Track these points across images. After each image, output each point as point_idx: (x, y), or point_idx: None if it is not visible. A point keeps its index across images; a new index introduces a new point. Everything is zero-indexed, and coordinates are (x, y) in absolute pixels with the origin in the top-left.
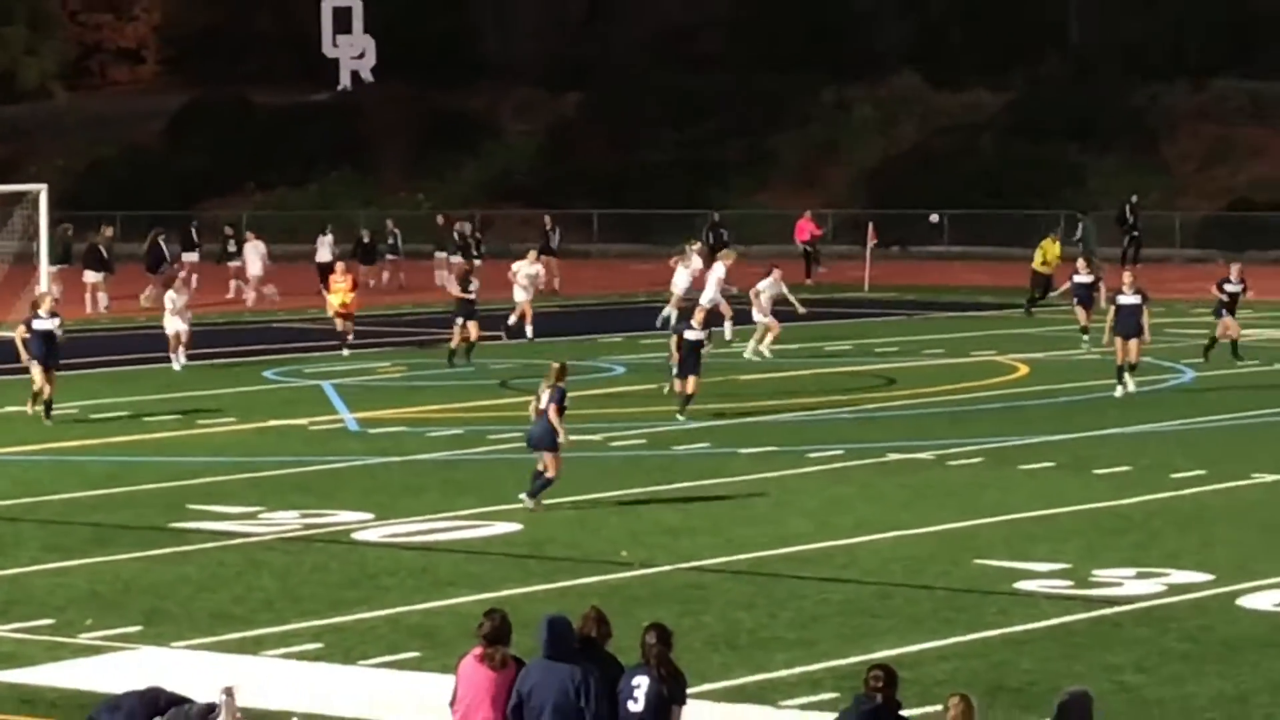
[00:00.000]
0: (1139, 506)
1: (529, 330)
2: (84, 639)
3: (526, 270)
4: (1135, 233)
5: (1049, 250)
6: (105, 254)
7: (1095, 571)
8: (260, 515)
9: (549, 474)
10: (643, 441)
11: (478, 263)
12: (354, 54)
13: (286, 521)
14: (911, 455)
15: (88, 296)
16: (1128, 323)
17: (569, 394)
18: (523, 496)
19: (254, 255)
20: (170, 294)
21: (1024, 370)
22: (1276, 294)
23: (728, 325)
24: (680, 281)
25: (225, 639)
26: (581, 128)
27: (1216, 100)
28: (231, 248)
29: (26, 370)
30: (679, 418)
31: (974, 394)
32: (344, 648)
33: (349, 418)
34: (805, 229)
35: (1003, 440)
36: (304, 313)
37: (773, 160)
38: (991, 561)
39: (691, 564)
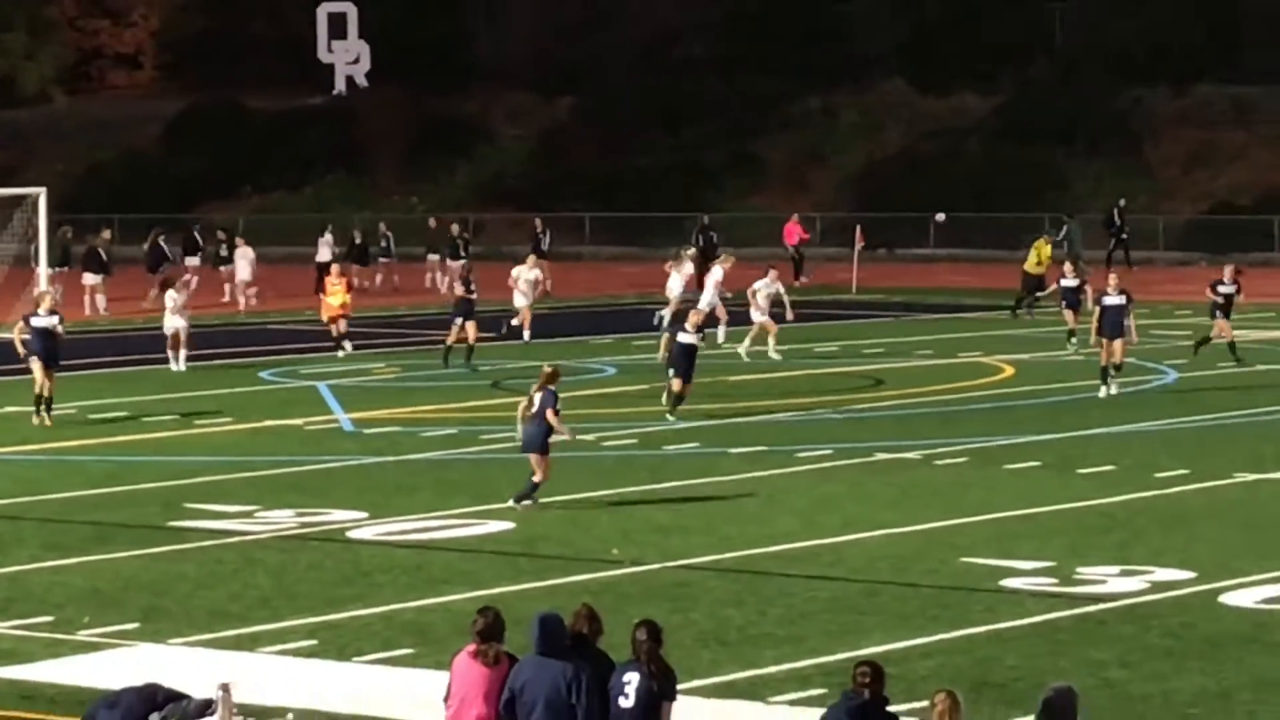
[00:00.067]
0: (1123, 505)
1: (526, 333)
2: (83, 636)
3: (526, 275)
4: (1124, 236)
5: (1042, 251)
6: (104, 256)
7: (1079, 569)
8: (256, 514)
9: (536, 477)
10: (634, 441)
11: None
12: (349, 59)
13: (282, 520)
14: (899, 455)
15: (86, 299)
16: (1113, 323)
17: (560, 395)
18: (511, 501)
19: (243, 261)
20: (170, 293)
21: (1010, 371)
22: (1258, 296)
23: (721, 329)
24: (674, 286)
25: (222, 636)
26: (573, 132)
27: (1199, 105)
28: (224, 252)
29: (27, 370)
30: (669, 418)
31: (960, 394)
32: (339, 644)
33: (344, 418)
34: (794, 232)
35: (989, 440)
36: (300, 315)
37: (762, 164)
38: (977, 559)
39: (681, 562)
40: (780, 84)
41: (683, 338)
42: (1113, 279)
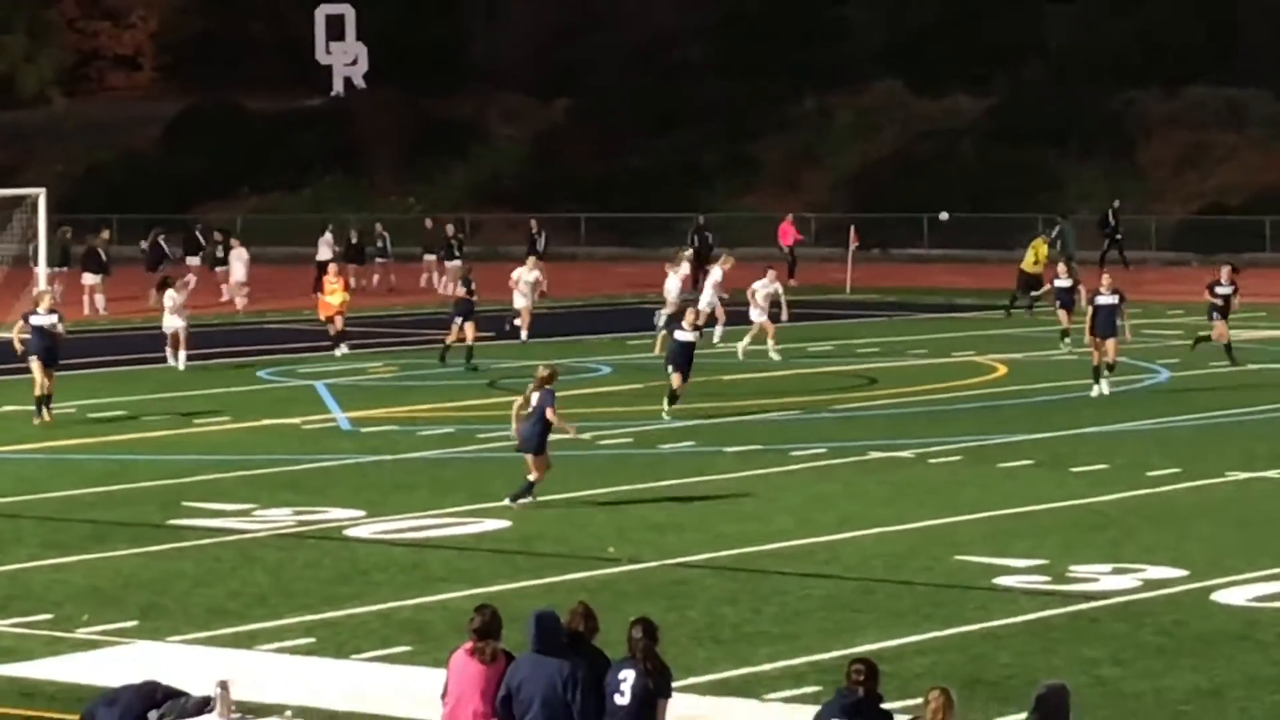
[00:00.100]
0: (1115, 504)
1: (524, 333)
2: (82, 634)
3: (527, 277)
4: (1118, 237)
5: (1039, 250)
6: (103, 257)
7: (1072, 567)
8: (254, 512)
9: (532, 476)
10: (629, 440)
11: (458, 263)
12: (347, 61)
13: (280, 518)
14: (893, 454)
15: (85, 298)
16: (1105, 323)
17: (556, 394)
18: (508, 500)
19: (237, 262)
20: (170, 293)
21: (1003, 370)
22: (1249, 296)
23: (718, 329)
24: (671, 286)
25: (220, 633)
26: (569, 133)
27: (1191, 107)
28: (219, 253)
29: (26, 370)
30: (664, 416)
31: (954, 394)
32: (336, 642)
33: (341, 417)
34: (788, 232)
35: (982, 439)
36: (298, 314)
37: (757, 165)
38: (971, 558)
39: (677, 560)
40: (775, 85)
41: (680, 335)
42: (1106, 279)
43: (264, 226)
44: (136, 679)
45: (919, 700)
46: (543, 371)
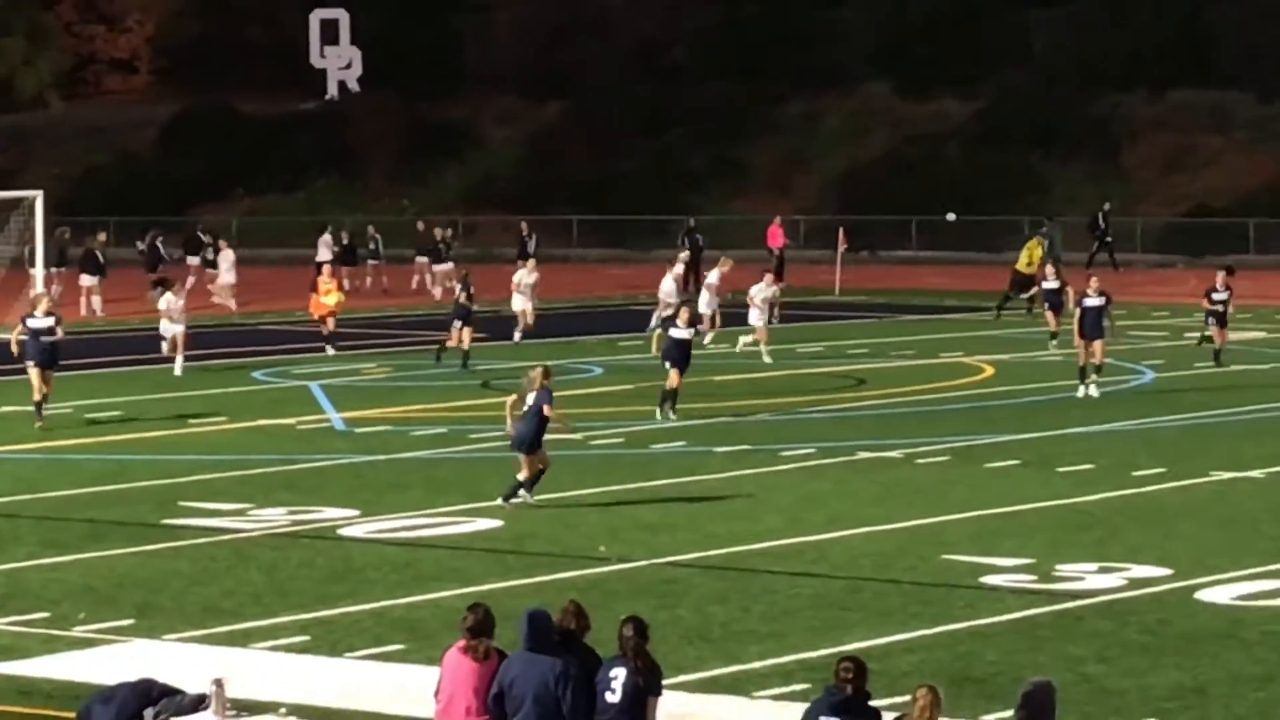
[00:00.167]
0: (1101, 503)
1: (517, 334)
2: (79, 632)
3: (527, 279)
4: (1108, 239)
5: (1033, 252)
6: (100, 258)
7: (1058, 566)
8: (249, 512)
9: (521, 475)
10: (621, 440)
11: (450, 266)
12: (341, 64)
13: (275, 518)
14: (881, 454)
15: (83, 299)
16: (1093, 325)
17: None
18: (524, 495)
19: (224, 263)
20: (169, 296)
21: (990, 371)
22: (1235, 298)
23: (710, 331)
24: (667, 287)
25: (215, 632)
26: (562, 136)
27: (1175, 110)
28: (210, 255)
29: (24, 371)
30: (663, 416)
31: (942, 394)
32: (330, 640)
33: (335, 417)
34: (777, 234)
35: (969, 439)
36: (292, 315)
37: (746, 168)
38: (958, 557)
39: (667, 559)
40: (765, 89)
41: (676, 333)
42: (1093, 281)
43: (259, 229)
44: (133, 677)
45: (907, 698)
46: (538, 370)
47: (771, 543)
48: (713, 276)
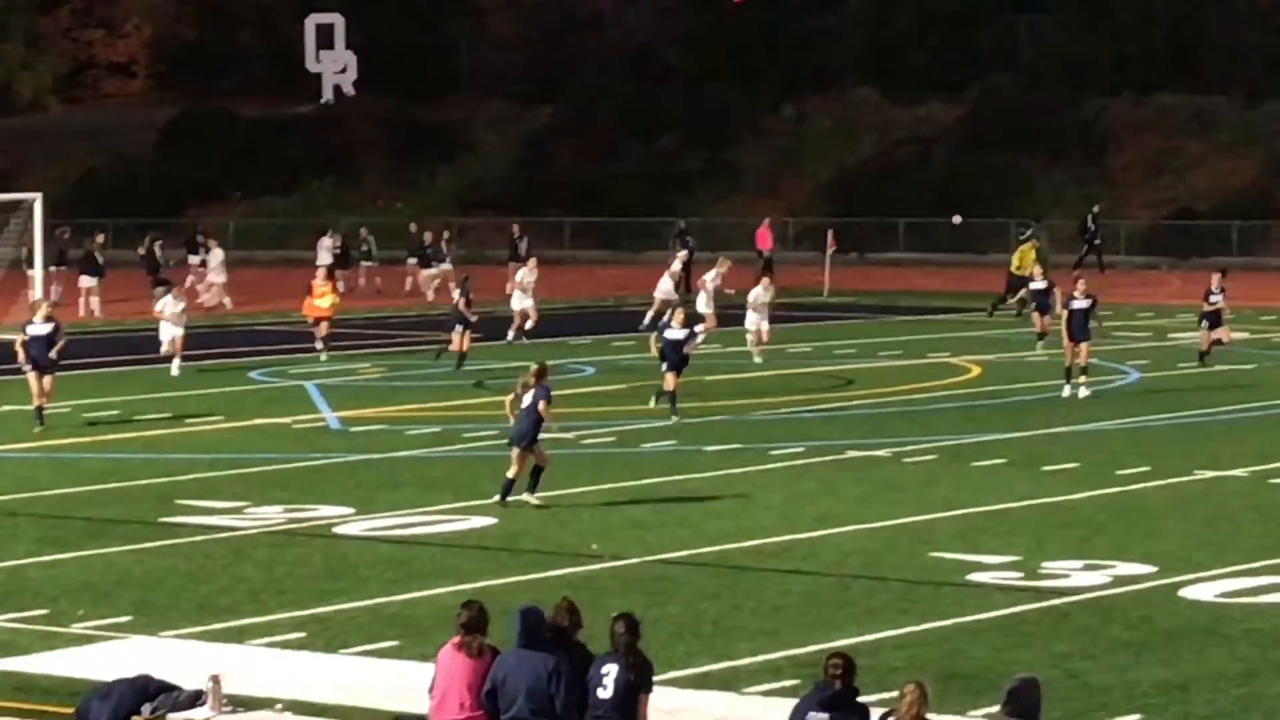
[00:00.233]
0: (1086, 502)
1: (510, 334)
2: (77, 629)
3: (529, 279)
4: (1097, 241)
5: (1026, 255)
6: (99, 260)
7: (1044, 564)
8: (246, 510)
9: (510, 472)
10: (613, 439)
11: (446, 267)
12: (336, 68)
13: (271, 516)
14: (869, 453)
15: (82, 300)
16: (1080, 326)
17: None
18: (526, 496)
19: (213, 261)
20: (169, 299)
21: (977, 371)
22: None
23: (701, 333)
24: (664, 286)
25: (212, 628)
26: (553, 139)
27: (1159, 114)
28: (202, 255)
29: (23, 372)
30: (672, 417)
31: (929, 394)
32: (325, 637)
33: (331, 417)
34: (766, 236)
35: (956, 438)
36: (287, 316)
37: (736, 170)
38: (945, 554)
39: (659, 557)
40: (755, 93)
41: (670, 334)
42: (1080, 283)
43: (256, 231)
44: (130, 673)
45: (895, 693)
46: (534, 368)
47: (762, 540)
48: (711, 277)
